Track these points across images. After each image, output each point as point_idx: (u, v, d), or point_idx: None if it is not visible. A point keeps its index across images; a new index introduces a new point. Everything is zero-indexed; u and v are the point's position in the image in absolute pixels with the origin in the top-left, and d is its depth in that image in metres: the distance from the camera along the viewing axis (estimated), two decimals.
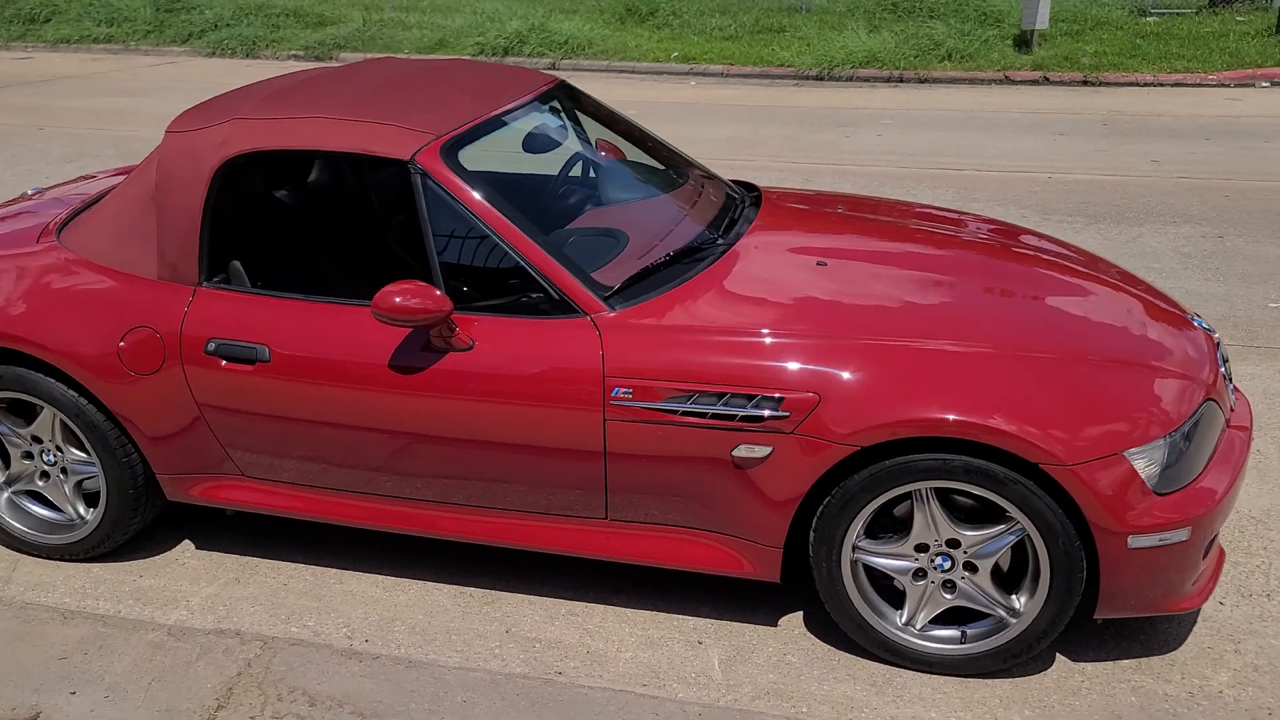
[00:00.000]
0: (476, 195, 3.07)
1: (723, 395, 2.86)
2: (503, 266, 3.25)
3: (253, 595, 3.38)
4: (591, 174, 3.71)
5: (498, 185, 3.19)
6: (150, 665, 3.08)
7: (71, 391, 3.31)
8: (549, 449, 3.00)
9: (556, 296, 3.01)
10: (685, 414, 2.88)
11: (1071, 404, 2.75)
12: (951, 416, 2.70)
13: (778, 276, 3.19)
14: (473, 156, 3.23)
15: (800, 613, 3.25)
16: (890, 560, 2.93)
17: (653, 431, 2.92)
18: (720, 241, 3.36)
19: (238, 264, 3.31)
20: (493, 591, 3.37)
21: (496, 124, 3.36)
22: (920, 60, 12.51)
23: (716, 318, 2.98)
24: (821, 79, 12.38)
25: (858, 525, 2.88)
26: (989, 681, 2.96)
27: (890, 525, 2.96)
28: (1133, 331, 3.07)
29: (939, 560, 2.91)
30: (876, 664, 3.03)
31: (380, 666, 3.06)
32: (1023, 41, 12.77)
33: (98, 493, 3.50)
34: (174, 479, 3.40)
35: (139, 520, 3.48)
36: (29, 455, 3.54)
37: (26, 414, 3.50)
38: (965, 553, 2.88)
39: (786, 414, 2.82)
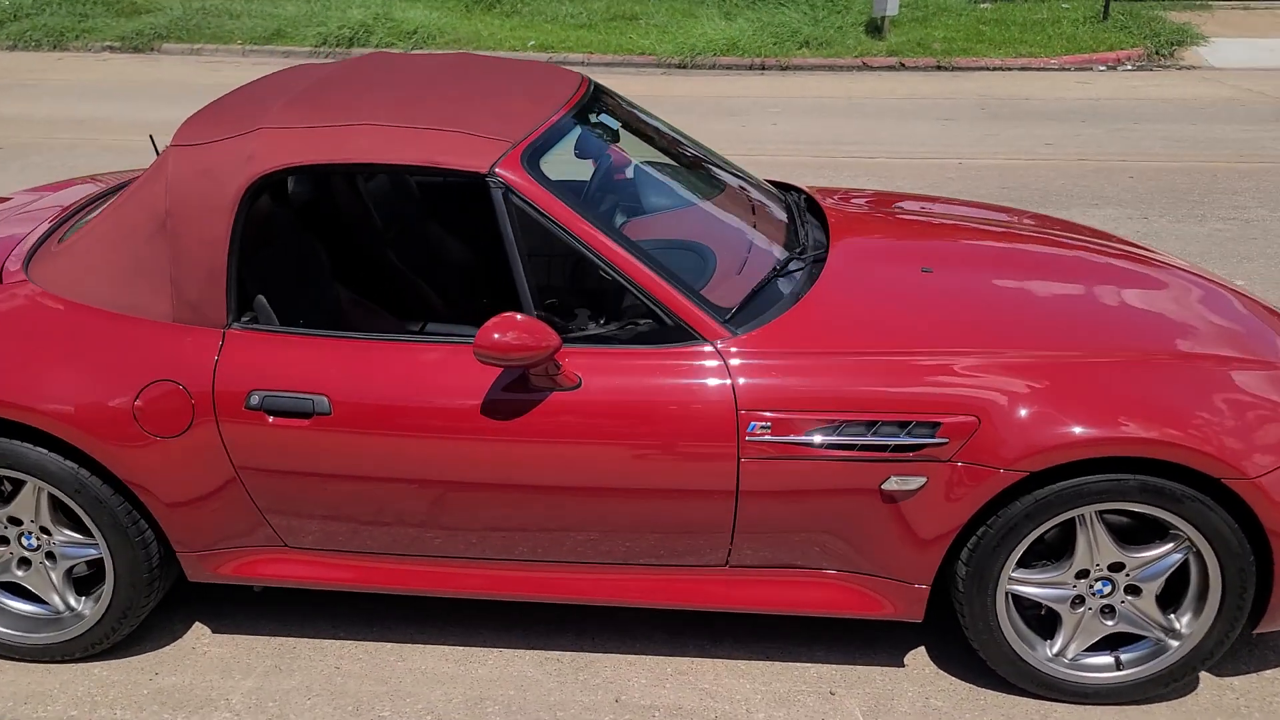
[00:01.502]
0: (570, 210, 2.68)
1: (873, 424, 2.58)
2: (603, 290, 2.88)
3: (304, 685, 2.89)
4: (640, 179, 3.35)
5: (585, 197, 2.81)
6: None
7: (69, 463, 2.74)
8: (670, 492, 2.66)
9: (671, 323, 2.67)
10: (831, 447, 2.59)
11: (1236, 411, 2.61)
12: (1137, 434, 2.51)
13: (891, 288, 2.94)
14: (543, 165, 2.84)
15: (921, 648, 3.02)
16: (1046, 589, 2.73)
17: (793, 468, 2.62)
18: (809, 253, 3.08)
19: (263, 299, 2.82)
20: (581, 654, 3.00)
21: (566, 128, 2.97)
22: (780, 48, 12.51)
23: (850, 339, 2.70)
24: (684, 67, 12.22)
25: (1016, 555, 2.67)
26: (1146, 709, 2.80)
27: (1041, 551, 2.76)
28: (1252, 329, 2.97)
29: (1098, 585, 2.72)
30: (1024, 698, 2.84)
31: None
32: (874, 28, 12.96)
33: (90, 578, 2.93)
34: (200, 556, 2.87)
35: (149, 607, 2.93)
36: (3, 540, 2.92)
37: (4, 492, 2.89)
38: (1128, 576, 2.70)
39: (944, 440, 2.57)
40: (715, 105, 9.98)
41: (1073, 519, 2.64)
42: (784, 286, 2.91)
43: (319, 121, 2.80)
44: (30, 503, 2.84)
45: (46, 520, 2.86)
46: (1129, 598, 2.73)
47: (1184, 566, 2.71)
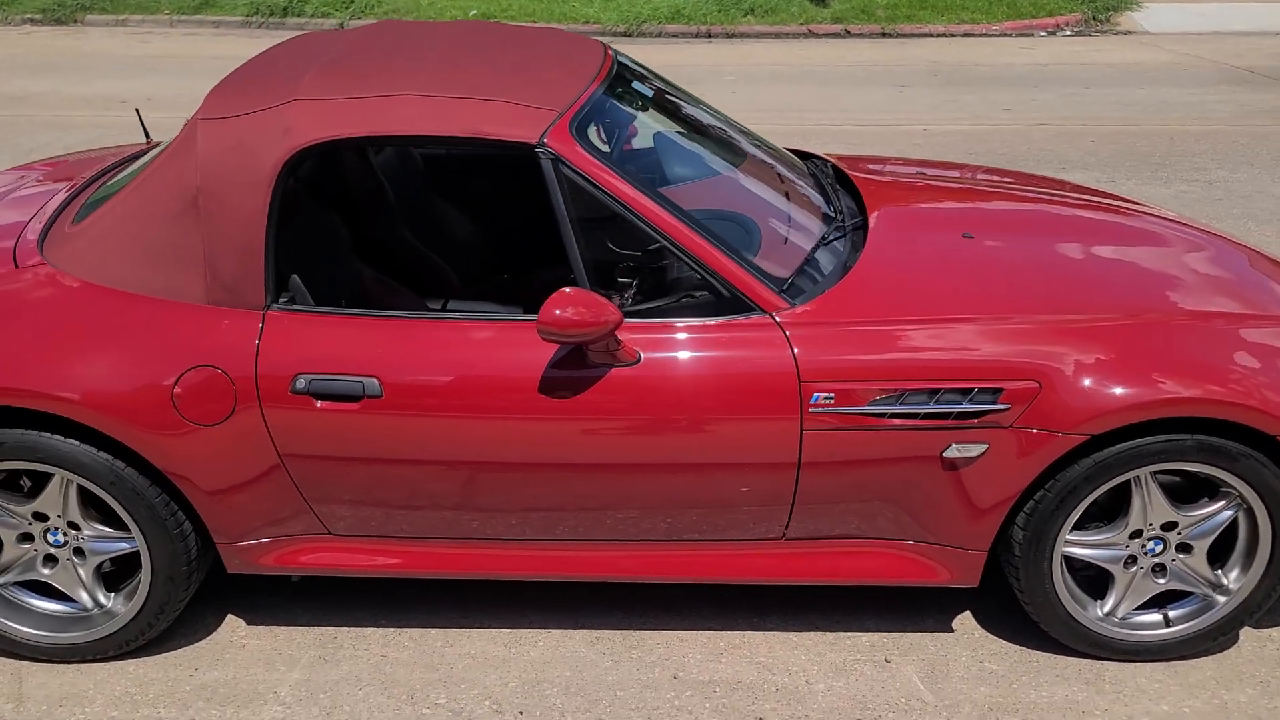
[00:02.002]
0: (623, 180, 2.62)
1: (935, 392, 2.58)
2: (656, 263, 2.83)
3: (354, 675, 2.82)
4: (674, 149, 3.28)
5: (636, 167, 2.75)
6: None
7: (104, 454, 2.62)
8: (730, 466, 2.63)
9: (728, 294, 2.63)
10: (894, 416, 2.58)
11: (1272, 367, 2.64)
12: (1199, 394, 2.54)
13: (936, 255, 2.93)
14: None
15: (967, 612, 3.04)
16: (1100, 550, 2.76)
17: (855, 439, 2.60)
18: (848, 222, 3.05)
19: (298, 279, 2.72)
20: (631, 632, 2.97)
21: (605, 96, 2.90)
22: (725, 15, 12.44)
23: (906, 307, 2.69)
24: (630, 35, 12.10)
25: (1074, 518, 2.69)
26: (1193, 663, 2.86)
27: (1093, 513, 2.78)
28: (1274, 284, 3.01)
29: (1150, 545, 2.76)
30: (1076, 658, 2.87)
31: None
32: None
33: (117, 573, 2.82)
34: (240, 547, 2.77)
35: (185, 601, 2.83)
36: (27, 537, 2.79)
37: (24, 487, 2.76)
38: (1179, 534, 2.74)
39: (1006, 406, 2.57)
40: (670, 74, 9.84)
41: (1128, 480, 2.66)
42: (829, 256, 2.88)
43: (356, 92, 2.69)
44: (57, 497, 2.71)
45: (75, 515, 2.74)
46: (1180, 555, 2.77)
47: (1233, 523, 2.75)
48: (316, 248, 2.87)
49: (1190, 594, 2.83)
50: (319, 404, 2.58)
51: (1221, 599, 2.80)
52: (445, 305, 3.43)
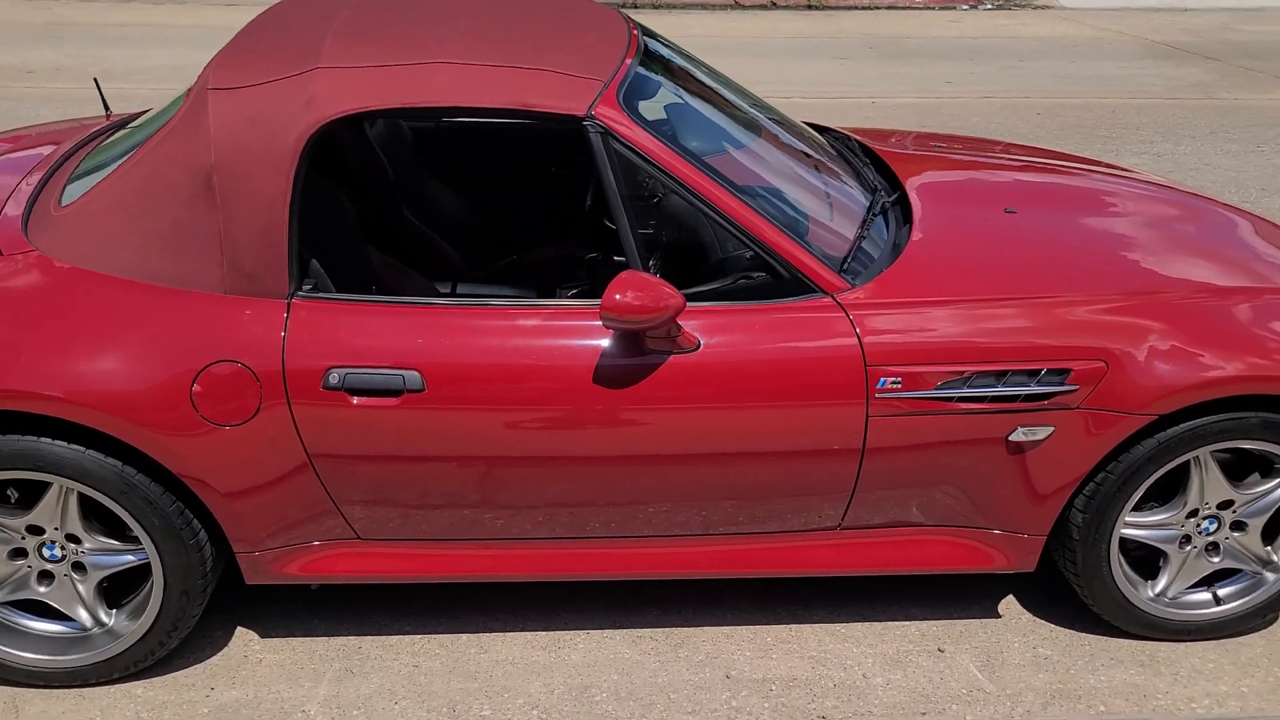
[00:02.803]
0: (677, 155, 2.47)
1: (1003, 374, 2.49)
2: (709, 242, 2.67)
3: (386, 688, 2.63)
4: (708, 124, 3.11)
5: (683, 141, 2.59)
6: None
7: (112, 460, 2.37)
8: (792, 454, 2.51)
9: (787, 276, 2.49)
10: (961, 400, 2.49)
11: None
12: (1267, 371, 2.50)
13: (984, 231, 2.85)
14: None
15: (1010, 597, 2.98)
16: (1157, 531, 2.72)
17: (921, 423, 2.50)
18: (888, 198, 2.94)
19: (317, 265, 2.51)
20: (674, 630, 2.83)
21: (642, 67, 2.73)
22: None
23: (965, 286, 2.59)
24: None
25: (1134, 500, 2.63)
26: (1242, 642, 2.84)
27: (1149, 493, 2.73)
28: None
29: (1205, 524, 2.72)
30: (1127, 640, 2.83)
31: None
32: None
33: (120, 588, 2.59)
34: (262, 556, 2.55)
35: (197, 617, 2.60)
36: (20, 553, 2.53)
37: (11, 498, 2.50)
38: (1234, 512, 2.71)
39: (1074, 387, 2.50)
40: None
41: (1187, 460, 2.62)
42: (878, 234, 2.77)
43: (385, 60, 2.48)
44: (54, 508, 2.46)
45: (75, 527, 2.48)
46: (1234, 534, 2.74)
47: None
48: (335, 230, 2.65)
49: (1239, 571, 2.81)
50: (354, 400, 2.38)
51: (1271, 576, 2.78)
52: (457, 288, 3.24)
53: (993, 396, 2.49)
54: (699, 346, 2.43)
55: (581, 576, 2.66)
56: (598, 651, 2.75)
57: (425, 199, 3.41)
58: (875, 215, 2.81)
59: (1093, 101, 7.85)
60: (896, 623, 2.87)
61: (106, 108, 3.56)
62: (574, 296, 2.98)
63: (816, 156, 3.08)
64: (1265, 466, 2.70)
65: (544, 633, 2.81)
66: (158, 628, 2.54)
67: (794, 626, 2.85)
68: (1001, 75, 8.64)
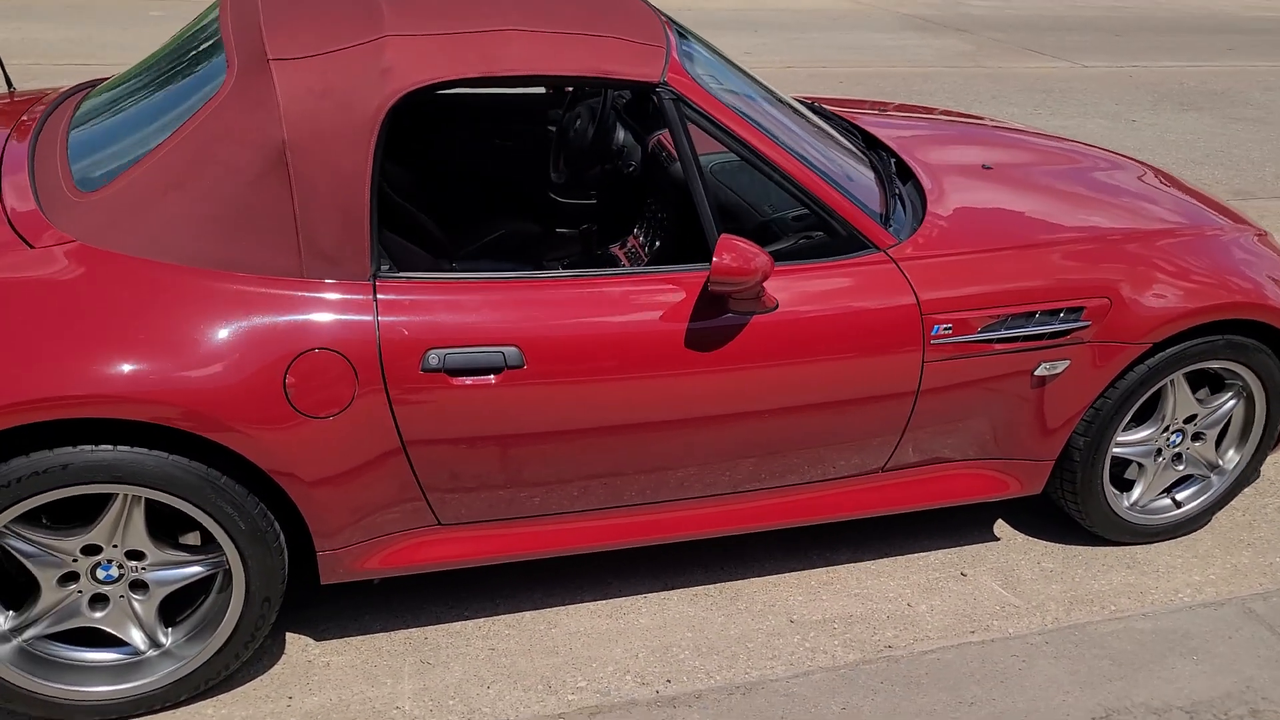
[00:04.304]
0: (744, 120, 2.54)
1: (1032, 315, 2.74)
2: (759, 205, 2.72)
3: (473, 674, 2.57)
4: (733, 95, 3.17)
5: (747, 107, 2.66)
6: None
7: (197, 464, 2.20)
8: (858, 402, 2.65)
9: (845, 233, 2.63)
10: (998, 341, 2.72)
11: (1265, 268, 3.03)
12: (1237, 299, 2.86)
13: (981, 187, 3.08)
14: None
15: (999, 520, 3.26)
16: (1138, 448, 3.06)
17: (966, 365, 2.72)
18: (894, 160, 3.13)
19: (391, 241, 2.42)
20: (724, 585, 2.93)
21: (687, 36, 2.76)
22: None
23: (989, 237, 2.82)
24: None
25: (1124, 421, 2.96)
26: (1194, 539, 3.25)
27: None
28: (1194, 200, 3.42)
29: (1173, 437, 3.09)
30: (1107, 548, 3.18)
31: (718, 704, 2.54)
32: None
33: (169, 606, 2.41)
34: (343, 552, 2.43)
35: (271, 625, 2.45)
36: (69, 577, 2.29)
37: (71, 515, 2.26)
38: (1194, 424, 3.10)
39: (1087, 323, 2.78)
40: None
41: (1165, 382, 2.97)
42: (909, 192, 2.96)
43: (451, 27, 2.40)
44: (114, 524, 2.24)
45: (140, 541, 2.28)
46: (1194, 444, 3.13)
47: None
48: (399, 203, 2.54)
49: (1191, 477, 3.21)
50: (454, 381, 2.31)
51: (1217, 479, 3.19)
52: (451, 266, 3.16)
53: (1024, 336, 2.73)
54: (777, 306, 2.52)
55: (655, 541, 2.69)
56: (662, 613, 2.80)
57: (400, 175, 3.29)
58: (892, 176, 2.98)
59: (883, 70, 8.41)
60: (917, 554, 3.08)
61: (9, 84, 3.20)
62: (567, 267, 2.98)
63: (820, 123, 3.22)
64: (1216, 383, 3.10)
65: (603, 602, 2.82)
66: (235, 639, 2.38)
67: (830, 569, 3.00)
68: (790, 46, 9.08)
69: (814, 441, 2.68)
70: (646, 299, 2.45)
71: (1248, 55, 10.23)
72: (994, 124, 3.91)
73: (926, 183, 2.99)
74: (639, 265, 3.22)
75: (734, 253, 2.34)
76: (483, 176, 3.52)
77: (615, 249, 3.37)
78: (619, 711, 2.50)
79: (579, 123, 3.47)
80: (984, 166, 3.20)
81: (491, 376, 2.33)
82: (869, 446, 2.74)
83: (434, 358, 2.29)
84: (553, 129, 3.72)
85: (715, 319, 2.47)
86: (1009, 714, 2.56)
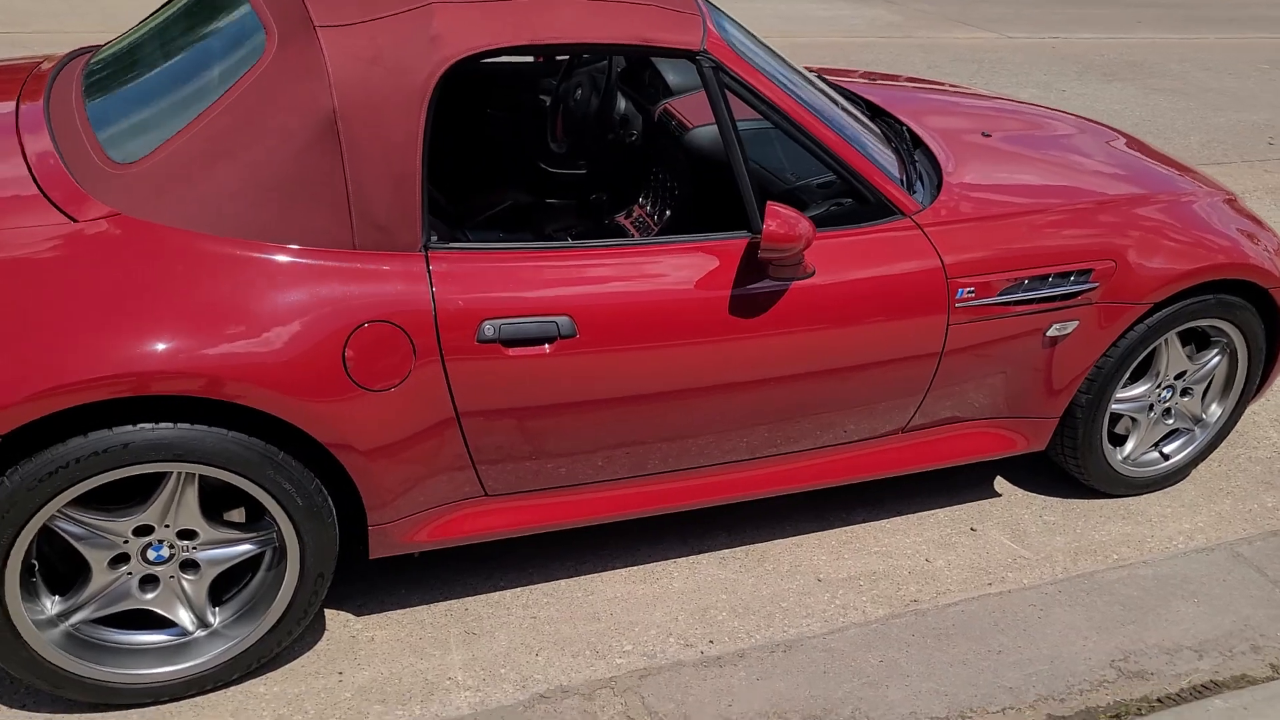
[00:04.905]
0: (778, 89, 2.58)
1: (1046, 277, 2.84)
2: (784, 174, 2.75)
3: (520, 643, 2.59)
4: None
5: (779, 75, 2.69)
6: None
7: (257, 440, 2.16)
8: (887, 364, 2.72)
9: (873, 200, 2.69)
10: (1016, 303, 2.81)
11: (1242, 230, 3.18)
12: (1228, 260, 3.00)
13: (984, 155, 3.16)
14: None
15: (997, 477, 3.38)
16: (1133, 404, 3.20)
17: (986, 327, 2.80)
18: (905, 129, 3.20)
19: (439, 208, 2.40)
20: (750, 547, 2.98)
21: (711, 5, 2.77)
22: None
23: (1003, 203, 2.90)
24: None
25: (1124, 378, 3.09)
26: (1177, 490, 3.41)
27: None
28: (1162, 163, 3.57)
29: (1163, 393, 3.24)
30: (1102, 500, 3.32)
31: (761, 661, 2.60)
32: None
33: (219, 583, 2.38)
34: (395, 525, 2.42)
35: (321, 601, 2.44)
36: (120, 559, 2.24)
37: (117, 497, 2.21)
38: (1183, 381, 3.24)
39: (1095, 285, 2.90)
40: None
41: (1160, 341, 3.10)
42: (923, 158, 3.03)
43: None
44: (168, 503, 2.20)
45: (193, 520, 2.24)
46: (1182, 399, 3.28)
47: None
48: (439, 173, 2.51)
49: (1176, 431, 3.36)
50: (509, 351, 2.31)
51: (1200, 432, 3.35)
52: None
53: (1039, 298, 2.83)
54: (814, 272, 2.57)
55: (694, 505, 2.73)
56: (694, 577, 2.85)
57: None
58: (908, 145, 3.04)
59: (821, 40, 8.50)
60: (928, 512, 3.18)
61: None
62: (576, 238, 2.99)
63: (834, 93, 3.26)
64: (1201, 340, 3.25)
65: (635, 568, 2.86)
66: (289, 617, 2.36)
67: (848, 529, 3.08)
68: (738, 14, 9.10)
69: (844, 403, 2.74)
70: (690, 267, 2.48)
71: (1155, 28, 10.60)
72: (973, 91, 4.01)
73: (939, 151, 3.07)
74: (648, 235, 3.24)
75: (779, 219, 2.38)
76: (474, 146, 3.49)
77: (621, 219, 3.38)
78: (668, 673, 2.54)
79: (580, 92, 3.46)
80: (983, 134, 3.28)
81: (545, 346, 2.34)
82: (894, 407, 2.81)
83: (489, 328, 2.28)
84: (544, 98, 3.71)
85: (756, 285, 2.51)
86: (1036, 660, 2.67)
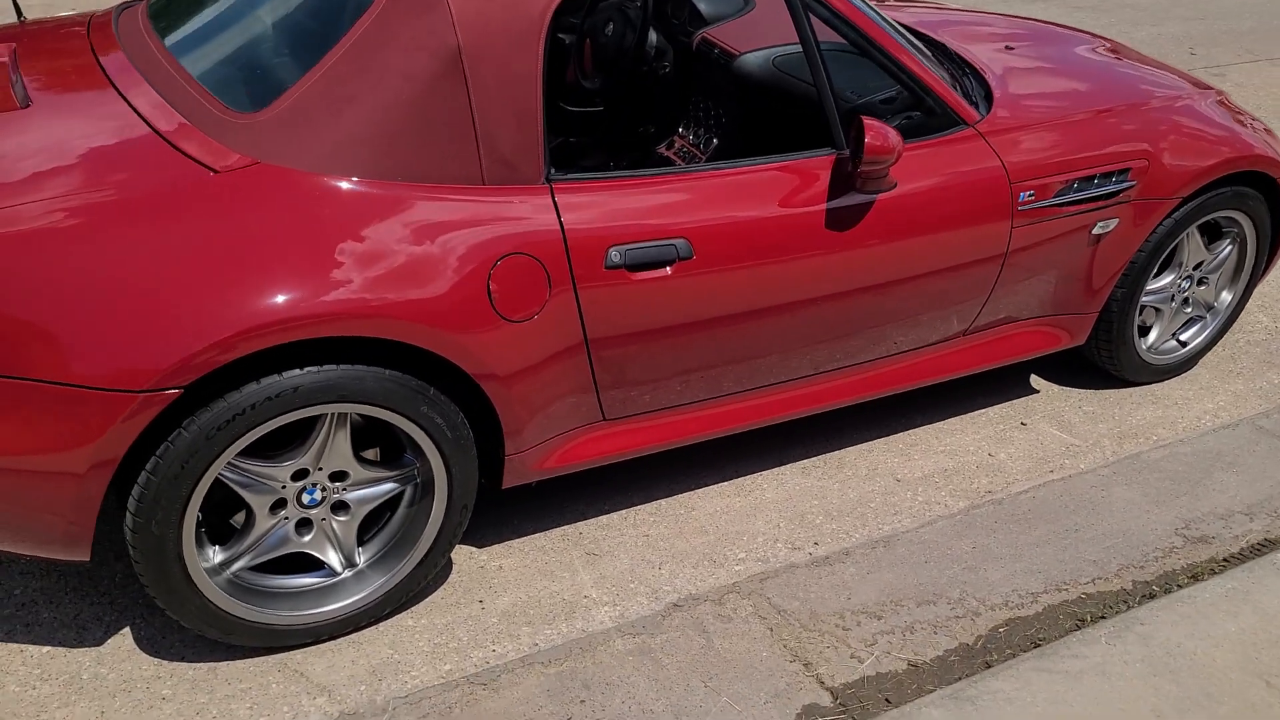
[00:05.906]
0: (857, 10, 2.67)
1: (1092, 178, 3.01)
2: (855, 90, 2.83)
3: (641, 559, 2.69)
4: None
5: None
6: (700, 657, 2.38)
7: (412, 378, 2.21)
8: (960, 268, 2.86)
9: (940, 112, 2.82)
10: (1068, 204, 2.98)
11: (1241, 123, 3.41)
12: (1244, 153, 3.21)
13: (1019, 67, 3.30)
14: None
15: (1030, 374, 3.58)
16: (1160, 295, 3.41)
17: (1043, 227, 2.97)
18: (941, 43, 3.32)
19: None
20: (826, 456, 3.12)
21: None
22: None
23: (1047, 110, 3.06)
24: None
25: (1152, 273, 3.30)
26: (1194, 374, 3.65)
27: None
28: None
29: (1183, 283, 3.47)
30: (1128, 389, 3.54)
31: (865, 557, 2.75)
32: None
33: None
34: (527, 455, 2.49)
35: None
36: (279, 504, 2.27)
37: (277, 441, 2.24)
38: (1200, 270, 3.47)
39: (1134, 183, 3.08)
40: None
41: (1183, 235, 3.32)
42: (971, 71, 3.16)
43: None
44: (320, 445, 2.24)
45: (345, 462, 2.28)
46: (1198, 288, 3.51)
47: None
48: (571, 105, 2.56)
49: (1191, 318, 3.60)
50: (634, 276, 2.39)
51: (1212, 319, 3.59)
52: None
53: (1088, 198, 3.00)
54: (896, 184, 2.69)
55: (792, 416, 2.85)
56: (783, 487, 2.98)
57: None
58: (954, 59, 3.17)
59: None
60: (979, 411, 3.36)
61: (20, 14, 2.98)
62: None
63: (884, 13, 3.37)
64: (1214, 232, 3.47)
65: (726, 483, 2.98)
66: (436, 549, 2.42)
67: (911, 432, 3.24)
68: None
69: (921, 309, 2.88)
70: (788, 185, 2.58)
71: None
72: (966, 9, 4.14)
73: (980, 63, 3.20)
74: (695, 163, 3.31)
75: (874, 132, 2.49)
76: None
77: (663, 149, 3.45)
78: (784, 575, 2.67)
79: (611, 26, 3.50)
80: (1007, 48, 3.43)
81: (667, 268, 2.42)
82: (961, 311, 2.97)
83: (615, 255, 2.36)
84: (564, 37, 3.73)
85: (846, 200, 2.62)
86: (1109, 535, 2.88)
